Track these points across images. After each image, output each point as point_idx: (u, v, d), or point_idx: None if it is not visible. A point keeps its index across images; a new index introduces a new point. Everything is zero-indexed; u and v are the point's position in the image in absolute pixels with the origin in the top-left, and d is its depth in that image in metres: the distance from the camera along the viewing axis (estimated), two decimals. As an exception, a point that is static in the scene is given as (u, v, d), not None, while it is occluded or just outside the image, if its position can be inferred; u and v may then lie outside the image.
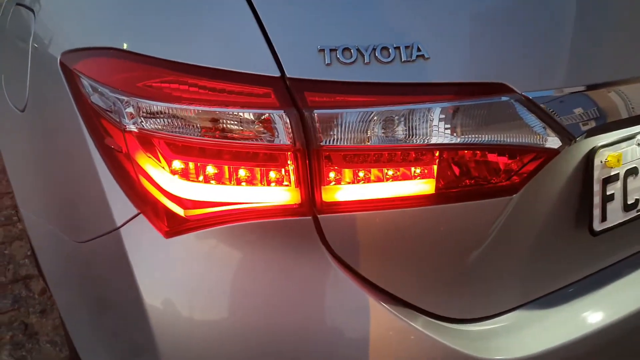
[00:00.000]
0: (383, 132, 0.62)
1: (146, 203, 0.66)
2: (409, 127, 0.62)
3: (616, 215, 0.79)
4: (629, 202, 0.80)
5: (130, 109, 0.63)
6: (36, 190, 0.91)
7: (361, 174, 0.64)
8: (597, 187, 0.76)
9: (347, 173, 0.64)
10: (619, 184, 0.78)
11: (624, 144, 0.77)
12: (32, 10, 0.83)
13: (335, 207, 0.64)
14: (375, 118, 0.61)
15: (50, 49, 0.76)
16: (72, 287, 0.89)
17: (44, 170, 0.85)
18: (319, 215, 0.64)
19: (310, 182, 0.63)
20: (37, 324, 1.62)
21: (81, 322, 0.91)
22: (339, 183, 0.64)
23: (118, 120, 0.64)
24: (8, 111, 0.92)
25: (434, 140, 0.63)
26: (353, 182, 0.64)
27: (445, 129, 0.63)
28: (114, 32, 0.67)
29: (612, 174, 0.77)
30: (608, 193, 0.77)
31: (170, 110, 0.61)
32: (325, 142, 0.61)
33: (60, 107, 0.74)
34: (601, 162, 0.75)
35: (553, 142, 0.67)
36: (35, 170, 0.89)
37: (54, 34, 0.78)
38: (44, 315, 1.66)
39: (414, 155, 0.64)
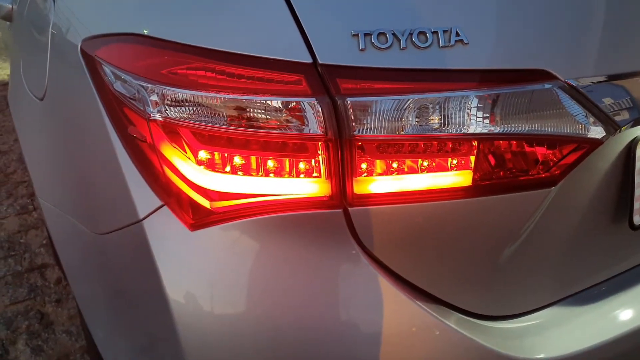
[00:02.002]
0: (418, 121, 0.59)
1: (170, 194, 0.64)
2: (446, 115, 0.59)
3: (657, 208, 0.75)
4: (670, 195, 0.76)
5: (154, 97, 0.60)
6: (55, 180, 0.89)
7: (395, 165, 0.61)
8: (638, 179, 0.72)
9: (380, 164, 0.61)
10: (660, 176, 0.74)
11: (667, 134, 0.73)
12: (51, -4, 0.81)
13: (367, 199, 0.62)
14: (411, 106, 0.58)
15: (71, 36, 0.74)
16: (90, 279, 0.88)
17: (63, 159, 0.84)
18: (349, 208, 0.62)
19: (341, 174, 0.60)
20: (52, 314, 1.63)
21: (99, 313, 0.90)
22: (372, 174, 0.61)
23: (142, 108, 0.62)
24: (27, 99, 0.91)
25: (471, 130, 0.60)
26: (386, 174, 0.61)
27: (484, 118, 0.59)
28: (136, 17, 0.64)
29: (654, 165, 0.73)
30: (649, 185, 0.74)
31: (197, 98, 0.59)
32: (359, 132, 0.58)
33: (81, 95, 0.72)
34: (642, 153, 0.71)
35: (596, 132, 0.64)
36: (54, 159, 0.87)
37: (74, 21, 0.75)
38: (59, 305, 1.66)
39: (450, 145, 0.61)
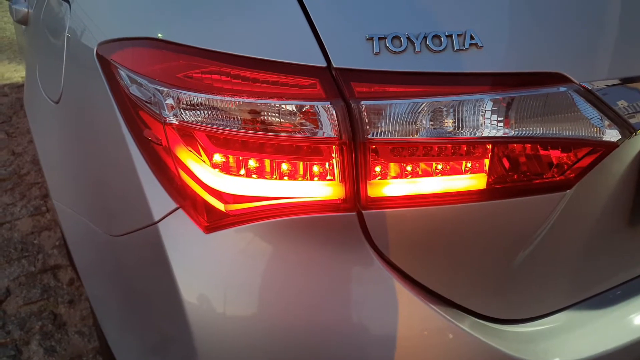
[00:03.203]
0: (433, 125, 0.59)
1: (185, 197, 0.64)
2: (460, 119, 0.59)
3: (673, 212, 0.75)
4: (686, 198, 0.75)
5: (170, 101, 0.61)
6: (70, 183, 0.90)
7: (409, 168, 0.61)
8: (653, 183, 0.72)
9: (394, 167, 0.61)
10: (675, 179, 0.74)
11: (681, 137, 0.72)
12: (67, 1, 0.82)
13: (381, 202, 0.62)
14: (425, 109, 0.58)
15: (86, 40, 0.75)
16: (105, 280, 0.89)
17: (78, 162, 0.85)
18: (363, 211, 0.62)
19: (355, 177, 0.60)
20: (65, 314, 1.64)
21: (113, 314, 0.91)
22: (385, 177, 0.61)
23: (158, 112, 0.62)
24: (42, 102, 0.92)
25: (486, 133, 0.60)
26: (400, 177, 0.61)
27: (499, 121, 0.59)
28: (152, 21, 0.65)
29: (669, 168, 0.72)
30: (665, 189, 0.73)
31: (212, 102, 0.59)
32: (373, 135, 0.59)
33: (97, 99, 0.72)
34: (657, 156, 0.71)
35: (612, 135, 0.63)
36: (69, 162, 0.88)
37: (90, 25, 0.76)
38: (72, 306, 1.68)
39: (464, 148, 0.61)
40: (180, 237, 0.65)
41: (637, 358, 0.75)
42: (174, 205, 0.65)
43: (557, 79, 0.60)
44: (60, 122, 0.88)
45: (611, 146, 0.64)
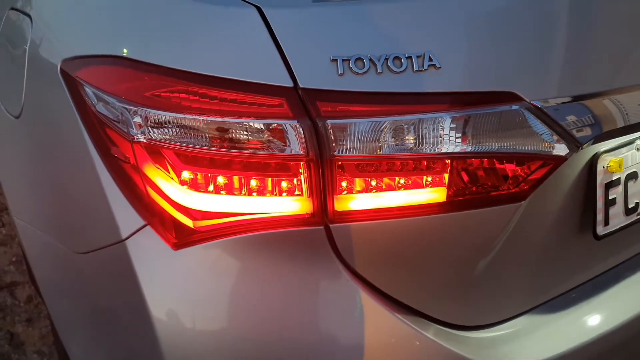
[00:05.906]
0: (395, 142, 0.62)
1: (154, 214, 0.65)
2: (420, 136, 0.62)
3: (618, 219, 0.80)
4: (630, 206, 0.81)
5: (138, 119, 0.61)
6: (32, 199, 0.88)
7: (373, 183, 0.64)
8: (600, 192, 0.77)
9: (359, 182, 0.63)
10: (620, 189, 0.79)
11: (624, 149, 0.78)
12: (29, 15, 0.81)
13: (347, 216, 0.64)
14: (387, 127, 0.61)
15: (49, 56, 0.74)
16: (69, 297, 0.88)
17: (41, 178, 0.83)
18: (330, 225, 0.64)
19: (322, 192, 0.62)
20: (23, 334, 1.58)
21: (77, 332, 0.89)
22: (351, 192, 0.64)
23: (125, 130, 0.62)
24: (1, 117, 0.90)
25: (445, 149, 0.63)
26: (365, 191, 0.64)
27: (456, 137, 0.63)
28: (119, 38, 0.65)
29: (614, 178, 0.78)
30: (610, 197, 0.78)
31: (180, 121, 0.60)
32: (338, 152, 0.61)
33: (60, 115, 0.72)
34: (603, 167, 0.76)
35: (560, 149, 0.68)
36: (32, 178, 0.86)
37: (53, 40, 0.76)
38: (30, 324, 1.62)
39: (425, 164, 0.64)
40: (149, 254, 0.65)
41: (592, 357, 0.79)
42: (142, 222, 0.65)
43: (510, 97, 0.64)
44: (21, 137, 0.86)
45: (560, 160, 0.68)
